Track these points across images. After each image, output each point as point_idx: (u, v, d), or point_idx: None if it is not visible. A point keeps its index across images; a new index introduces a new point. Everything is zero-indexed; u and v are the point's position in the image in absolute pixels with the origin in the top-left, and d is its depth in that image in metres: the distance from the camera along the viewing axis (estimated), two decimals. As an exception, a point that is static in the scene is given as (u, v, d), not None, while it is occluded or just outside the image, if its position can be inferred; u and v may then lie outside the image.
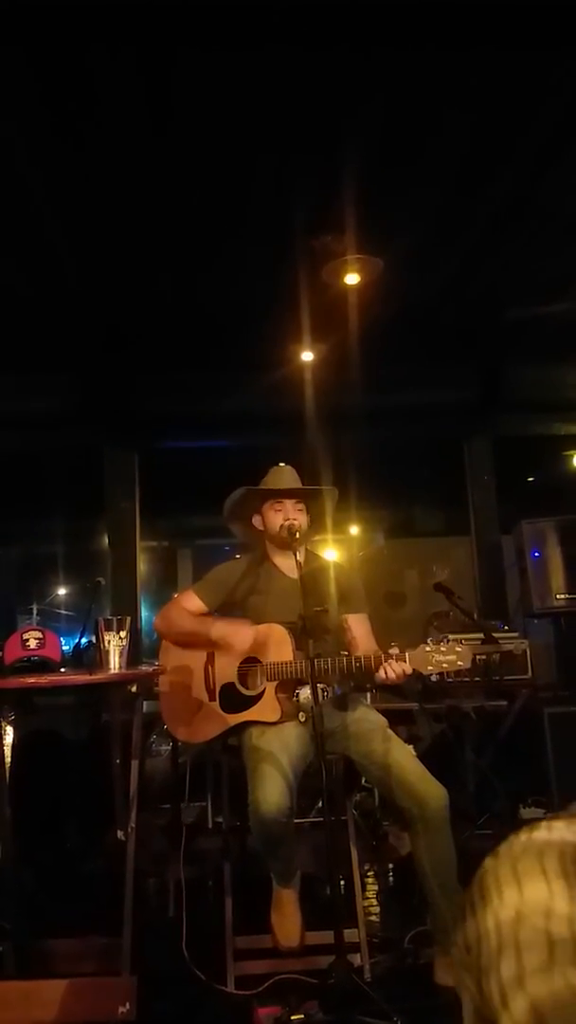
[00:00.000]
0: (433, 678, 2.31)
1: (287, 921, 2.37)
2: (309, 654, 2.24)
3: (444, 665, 2.29)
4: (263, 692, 2.47)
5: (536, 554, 4.31)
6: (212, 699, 2.56)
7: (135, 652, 3.44)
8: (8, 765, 2.63)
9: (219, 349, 4.36)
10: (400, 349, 4.31)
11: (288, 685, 2.46)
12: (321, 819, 2.72)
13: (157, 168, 2.83)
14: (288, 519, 2.60)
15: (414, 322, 4.09)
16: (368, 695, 3.46)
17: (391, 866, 3.42)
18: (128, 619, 2.37)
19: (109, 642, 2.32)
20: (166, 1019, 2.27)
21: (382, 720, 2.51)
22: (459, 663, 2.28)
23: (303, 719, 2.41)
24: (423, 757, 2.73)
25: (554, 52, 2.34)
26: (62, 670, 2.51)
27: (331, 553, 4.38)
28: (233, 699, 2.52)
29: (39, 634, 2.51)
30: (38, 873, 3.13)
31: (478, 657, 3.38)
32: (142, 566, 5.25)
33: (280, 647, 2.47)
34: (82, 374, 4.60)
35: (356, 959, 2.38)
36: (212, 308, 4.02)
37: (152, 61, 2.32)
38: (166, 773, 3.69)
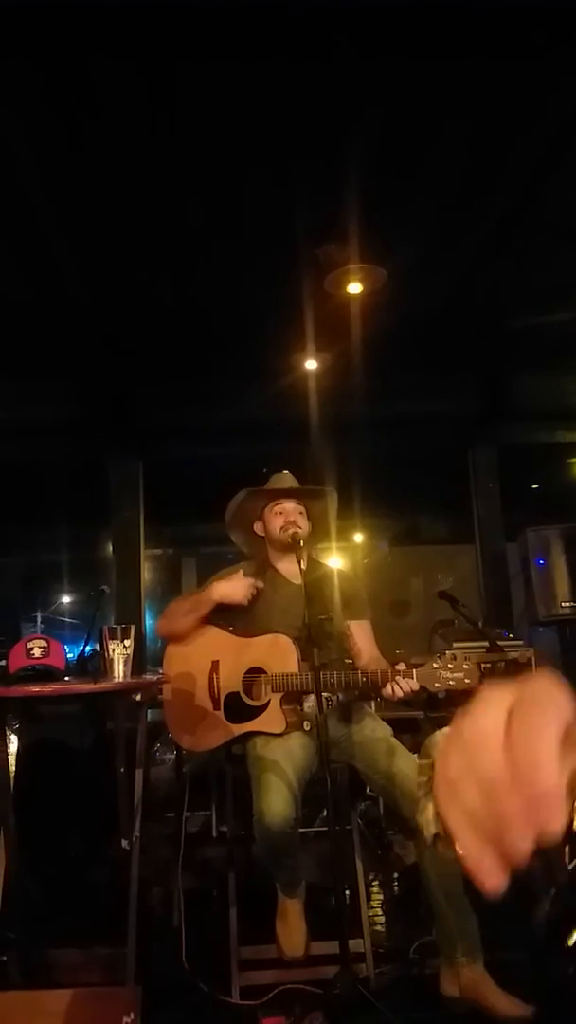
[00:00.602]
0: (440, 695, 2.31)
1: (292, 931, 2.36)
2: (314, 663, 2.24)
3: (451, 683, 2.28)
4: (268, 703, 2.47)
5: (541, 562, 4.31)
6: (217, 708, 2.55)
7: (139, 660, 3.44)
8: (12, 773, 2.63)
9: (223, 358, 4.38)
10: (404, 358, 4.33)
11: (293, 696, 2.46)
12: (326, 828, 2.71)
13: (160, 177, 2.85)
14: (289, 521, 2.61)
15: (417, 331, 4.10)
16: (372, 703, 3.44)
17: (396, 876, 3.40)
18: (132, 627, 2.37)
19: (113, 650, 2.32)
20: (170, 1029, 2.26)
21: (387, 729, 2.51)
22: (467, 681, 2.27)
23: (308, 728, 2.41)
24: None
25: (554, 61, 2.36)
26: (66, 679, 2.51)
27: (335, 561, 4.38)
28: (238, 709, 2.51)
29: (43, 642, 2.51)
30: (42, 882, 3.12)
31: (483, 665, 3.37)
32: (146, 574, 5.25)
33: (285, 658, 2.47)
34: (87, 384, 4.63)
35: (361, 969, 2.37)
36: (216, 317, 4.03)
37: (154, 70, 2.34)
38: (170, 782, 3.68)
